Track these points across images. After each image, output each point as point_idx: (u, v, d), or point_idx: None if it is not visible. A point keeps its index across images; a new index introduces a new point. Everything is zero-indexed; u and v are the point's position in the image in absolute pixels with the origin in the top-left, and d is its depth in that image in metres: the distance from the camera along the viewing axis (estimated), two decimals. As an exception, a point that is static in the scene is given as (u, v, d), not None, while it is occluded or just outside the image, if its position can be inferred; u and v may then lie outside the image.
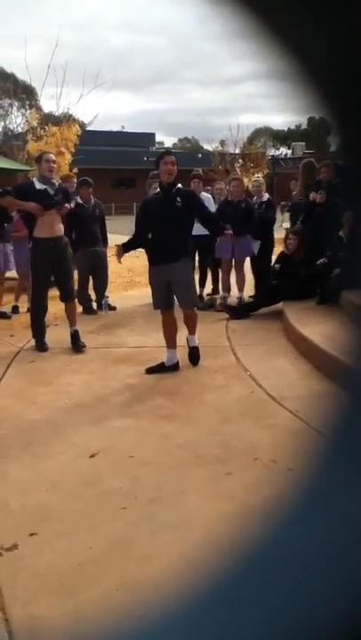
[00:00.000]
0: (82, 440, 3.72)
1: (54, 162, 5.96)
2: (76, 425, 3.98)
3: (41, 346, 5.86)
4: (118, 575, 2.40)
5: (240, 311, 6.97)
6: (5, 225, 7.60)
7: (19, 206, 5.95)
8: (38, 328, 5.94)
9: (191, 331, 5.21)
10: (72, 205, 6.01)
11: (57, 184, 5.95)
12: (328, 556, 0.37)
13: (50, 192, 5.71)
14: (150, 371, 5.01)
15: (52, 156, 6.02)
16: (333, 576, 0.37)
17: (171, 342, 5.10)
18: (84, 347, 5.81)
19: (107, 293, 7.62)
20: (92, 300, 7.60)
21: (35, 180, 5.96)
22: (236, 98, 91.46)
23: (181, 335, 5.21)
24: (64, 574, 2.41)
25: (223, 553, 0.42)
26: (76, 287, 6.50)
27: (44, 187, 5.72)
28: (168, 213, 4.86)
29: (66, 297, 5.99)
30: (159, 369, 5.02)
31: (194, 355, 5.21)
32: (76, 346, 5.82)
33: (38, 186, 5.74)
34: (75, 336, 5.87)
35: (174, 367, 5.06)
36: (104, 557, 2.53)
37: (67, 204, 5.84)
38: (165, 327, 5.13)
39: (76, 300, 7.15)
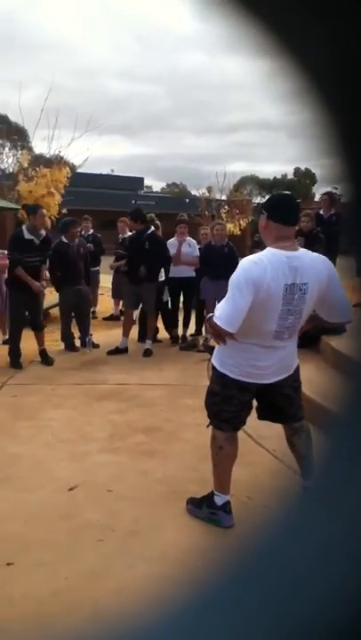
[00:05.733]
0: (62, 474, 3.77)
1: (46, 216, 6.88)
2: (56, 459, 4.02)
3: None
4: (93, 605, 2.44)
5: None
6: None
7: (25, 279, 6.59)
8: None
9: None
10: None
11: (43, 234, 6.72)
12: (327, 556, 0.39)
13: (35, 243, 6.57)
14: (110, 352, 7.26)
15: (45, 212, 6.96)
16: (332, 576, 0.38)
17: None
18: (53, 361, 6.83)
19: (90, 331, 7.70)
20: (74, 338, 7.68)
21: (24, 229, 6.69)
22: (227, 146, 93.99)
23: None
24: (40, 603, 2.44)
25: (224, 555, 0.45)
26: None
27: (32, 237, 6.56)
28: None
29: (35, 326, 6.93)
30: (116, 351, 7.27)
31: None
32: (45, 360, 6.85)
33: (27, 236, 6.57)
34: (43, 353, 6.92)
35: (125, 350, 7.31)
36: (79, 588, 2.57)
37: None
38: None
39: (60, 336, 7.43)
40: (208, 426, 3.21)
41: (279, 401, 3.16)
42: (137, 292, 7.34)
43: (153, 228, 7.46)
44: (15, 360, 6.71)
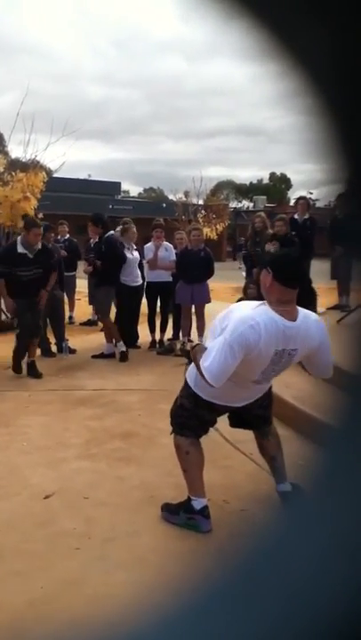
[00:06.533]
0: (38, 481, 3.73)
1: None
2: (32, 466, 3.98)
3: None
4: (69, 614, 2.41)
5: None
6: None
7: (3, 295, 6.38)
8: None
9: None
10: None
11: (39, 247, 6.35)
12: (328, 559, 0.38)
13: (29, 257, 6.21)
14: (94, 356, 7.38)
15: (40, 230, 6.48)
16: (334, 578, 0.38)
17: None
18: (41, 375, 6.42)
19: (67, 336, 7.65)
20: (50, 343, 7.63)
21: (18, 242, 6.34)
22: (205, 151, 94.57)
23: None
24: (15, 612, 2.41)
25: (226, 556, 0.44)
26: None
27: (25, 251, 6.20)
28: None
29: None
30: (101, 356, 7.35)
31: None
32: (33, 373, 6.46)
33: (20, 249, 6.21)
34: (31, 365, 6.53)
35: (112, 355, 7.33)
36: (56, 596, 2.54)
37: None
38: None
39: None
40: (171, 433, 3.28)
41: (250, 419, 3.35)
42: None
43: (112, 231, 7.62)
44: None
